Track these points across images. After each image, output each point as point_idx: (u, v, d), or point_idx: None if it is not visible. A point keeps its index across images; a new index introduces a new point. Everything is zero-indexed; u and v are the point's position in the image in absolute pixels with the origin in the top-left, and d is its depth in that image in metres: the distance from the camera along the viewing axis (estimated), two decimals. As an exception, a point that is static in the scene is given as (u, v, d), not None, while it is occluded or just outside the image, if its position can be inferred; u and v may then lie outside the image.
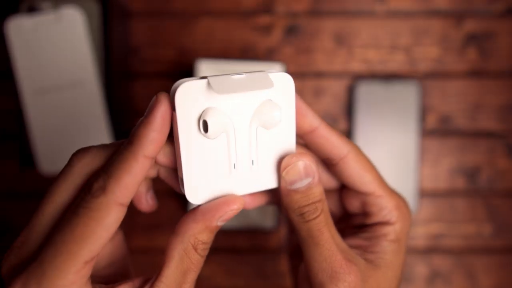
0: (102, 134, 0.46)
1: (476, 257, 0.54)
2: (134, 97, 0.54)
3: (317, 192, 0.26)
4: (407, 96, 0.52)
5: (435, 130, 0.54)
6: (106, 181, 0.22)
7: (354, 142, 0.28)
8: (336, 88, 0.54)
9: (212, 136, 0.24)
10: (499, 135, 0.54)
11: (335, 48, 0.54)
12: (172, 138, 0.24)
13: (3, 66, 0.51)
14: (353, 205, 0.30)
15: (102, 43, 0.46)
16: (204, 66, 0.48)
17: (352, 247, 0.28)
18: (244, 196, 0.28)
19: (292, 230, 0.32)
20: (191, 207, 0.49)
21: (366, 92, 0.53)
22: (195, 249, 0.24)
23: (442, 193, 0.54)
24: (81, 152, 0.24)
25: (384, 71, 0.54)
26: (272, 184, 0.27)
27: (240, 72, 0.24)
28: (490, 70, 0.54)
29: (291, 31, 0.54)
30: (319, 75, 0.54)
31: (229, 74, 0.24)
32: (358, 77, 0.54)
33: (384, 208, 0.28)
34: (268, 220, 0.49)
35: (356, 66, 0.54)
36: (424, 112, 0.54)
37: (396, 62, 0.54)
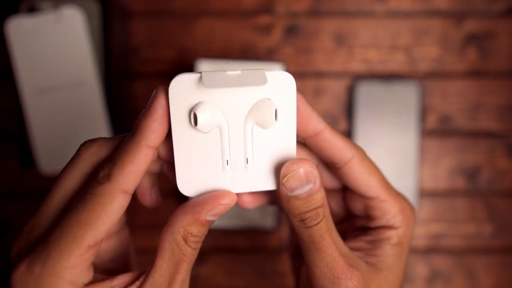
0: (102, 134, 0.46)
1: (476, 257, 0.54)
2: (134, 97, 0.54)
3: (319, 198, 0.25)
4: (407, 96, 0.52)
5: (435, 130, 0.54)
6: (111, 169, 0.23)
7: (354, 142, 0.28)
8: (336, 88, 0.54)
9: (202, 130, 0.24)
10: (499, 135, 0.54)
11: (335, 48, 0.54)
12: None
13: (3, 66, 0.51)
14: (357, 207, 0.29)
15: (102, 43, 0.46)
16: (204, 66, 0.48)
17: (353, 249, 0.28)
18: (244, 195, 0.28)
19: (294, 232, 0.32)
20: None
21: (366, 92, 0.53)
22: (185, 241, 0.25)
23: (442, 193, 0.54)
24: (88, 143, 0.25)
25: (384, 71, 0.54)
26: (269, 186, 0.26)
27: (237, 69, 0.24)
28: (490, 70, 0.54)
29: (291, 31, 0.54)
30: (319, 75, 0.54)
31: (226, 70, 0.24)
32: (358, 77, 0.54)
33: (388, 213, 0.28)
34: (268, 220, 0.49)
35: (356, 66, 0.54)
36: (424, 112, 0.54)
37: (396, 62, 0.54)
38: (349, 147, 0.27)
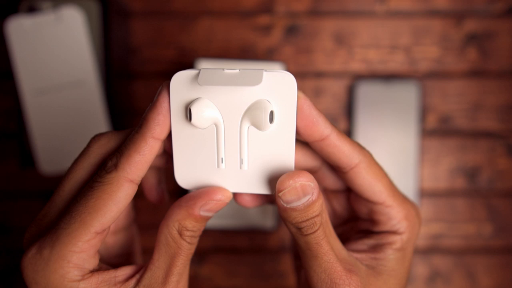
0: (102, 134, 0.46)
1: (476, 257, 0.54)
2: (134, 97, 0.54)
3: (316, 207, 0.25)
4: (407, 96, 0.52)
5: (435, 130, 0.54)
6: (118, 159, 0.24)
7: (361, 145, 0.28)
8: (336, 88, 0.54)
9: (197, 125, 0.24)
10: (499, 135, 0.54)
11: (335, 48, 0.54)
12: None
13: (3, 66, 0.51)
14: (361, 211, 0.29)
15: (102, 43, 0.46)
16: (204, 66, 0.48)
17: (355, 251, 0.28)
18: (245, 194, 0.28)
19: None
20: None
21: (366, 92, 0.53)
22: (180, 235, 0.25)
23: (442, 193, 0.54)
24: (98, 136, 0.26)
25: (384, 71, 0.54)
26: (265, 190, 0.26)
27: (236, 68, 0.24)
28: (490, 70, 0.54)
29: (291, 31, 0.54)
30: (319, 75, 0.54)
31: (226, 68, 0.24)
32: (358, 77, 0.54)
33: (393, 219, 0.27)
34: (268, 220, 0.49)
35: (356, 66, 0.54)
36: (424, 112, 0.54)
37: (396, 62, 0.54)
38: (356, 152, 0.26)
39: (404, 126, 0.52)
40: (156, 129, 0.24)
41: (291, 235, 0.27)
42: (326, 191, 0.31)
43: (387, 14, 0.54)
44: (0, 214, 0.54)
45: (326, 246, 0.25)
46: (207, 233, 0.54)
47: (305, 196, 0.24)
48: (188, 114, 0.24)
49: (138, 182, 0.25)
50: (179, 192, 0.51)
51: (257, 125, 0.24)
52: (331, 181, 0.30)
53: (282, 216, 0.26)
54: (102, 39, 0.46)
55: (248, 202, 0.29)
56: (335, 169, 0.28)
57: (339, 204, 0.31)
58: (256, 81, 0.23)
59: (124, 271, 0.26)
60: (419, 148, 0.53)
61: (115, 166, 0.24)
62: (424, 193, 0.54)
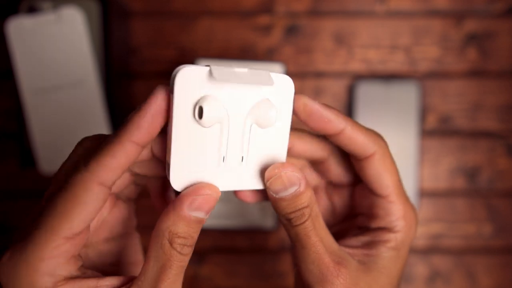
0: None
1: (476, 257, 0.54)
2: (134, 97, 0.54)
3: (304, 199, 0.25)
4: (407, 96, 0.52)
5: (435, 130, 0.54)
6: (89, 160, 0.22)
7: (379, 134, 0.29)
8: (336, 88, 0.54)
9: (206, 124, 0.23)
10: (499, 135, 0.54)
11: (335, 48, 0.54)
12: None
13: (4, 66, 0.51)
14: (363, 203, 0.29)
15: (102, 43, 0.46)
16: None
17: (348, 247, 0.28)
18: (245, 191, 0.28)
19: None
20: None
21: (366, 92, 0.53)
22: (171, 243, 0.23)
23: (442, 193, 0.54)
24: (84, 139, 0.25)
25: (384, 71, 0.54)
26: (258, 185, 0.26)
27: (243, 67, 0.24)
28: (490, 70, 0.54)
29: (291, 31, 0.54)
30: (319, 75, 0.54)
31: (232, 67, 0.24)
32: (358, 77, 0.54)
33: (392, 215, 0.28)
34: (268, 220, 0.49)
35: (356, 66, 0.54)
36: (424, 112, 0.54)
37: (396, 62, 0.54)
38: (371, 142, 0.27)
39: (404, 126, 0.52)
40: (135, 133, 0.23)
41: (284, 228, 0.27)
42: (328, 187, 0.31)
43: (387, 14, 0.54)
44: (0, 214, 0.54)
45: (315, 238, 0.26)
46: (207, 233, 0.54)
47: (292, 186, 0.25)
48: (197, 112, 0.23)
49: (110, 186, 0.23)
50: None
51: (261, 123, 0.25)
52: (337, 173, 0.30)
53: (274, 208, 0.26)
54: (102, 39, 0.46)
55: (248, 197, 0.29)
56: (352, 157, 0.28)
57: (341, 200, 0.31)
58: (269, 81, 0.24)
59: (109, 281, 0.24)
60: (419, 148, 0.53)
61: (85, 167, 0.22)
62: (424, 193, 0.54)
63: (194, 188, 0.24)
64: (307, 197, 0.25)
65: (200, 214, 0.24)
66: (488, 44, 0.54)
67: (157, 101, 0.23)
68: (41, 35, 0.45)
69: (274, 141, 0.26)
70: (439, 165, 0.54)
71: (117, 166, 0.23)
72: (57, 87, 0.46)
